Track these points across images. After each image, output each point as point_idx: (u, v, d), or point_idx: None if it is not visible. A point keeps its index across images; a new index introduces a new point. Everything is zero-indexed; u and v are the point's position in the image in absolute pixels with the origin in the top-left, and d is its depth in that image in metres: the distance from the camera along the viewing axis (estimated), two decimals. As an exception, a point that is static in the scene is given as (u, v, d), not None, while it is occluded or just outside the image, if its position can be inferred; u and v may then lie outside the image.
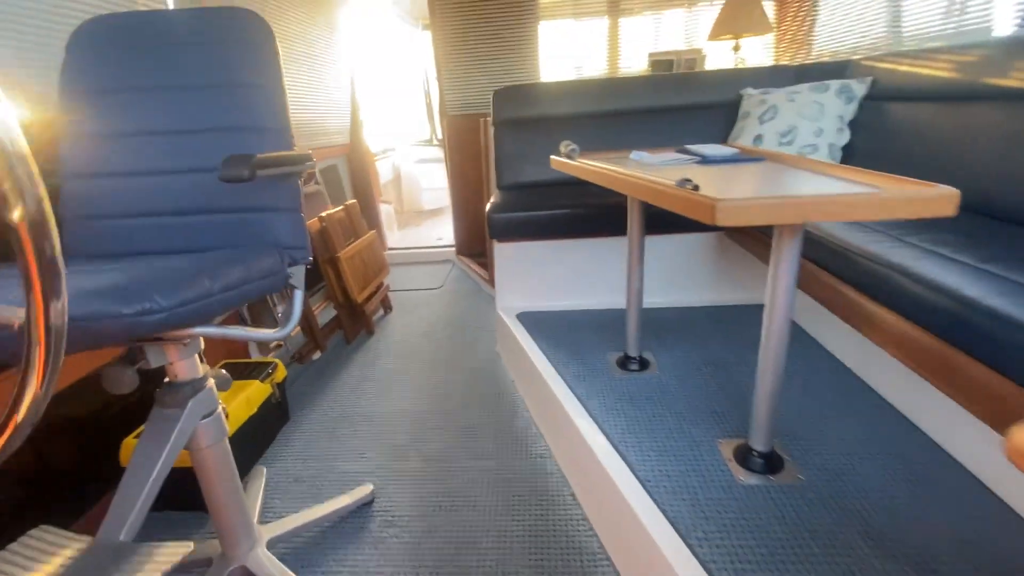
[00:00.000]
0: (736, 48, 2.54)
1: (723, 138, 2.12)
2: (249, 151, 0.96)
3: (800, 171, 1.02)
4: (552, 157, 1.51)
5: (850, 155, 1.79)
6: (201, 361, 0.96)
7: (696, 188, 0.80)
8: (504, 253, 1.98)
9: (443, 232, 4.17)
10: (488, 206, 1.92)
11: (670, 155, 1.36)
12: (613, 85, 2.27)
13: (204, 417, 0.97)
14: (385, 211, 3.78)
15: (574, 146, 1.43)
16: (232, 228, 0.97)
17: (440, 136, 4.79)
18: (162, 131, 0.97)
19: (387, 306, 2.61)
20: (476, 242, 3.30)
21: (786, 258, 0.88)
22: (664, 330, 1.71)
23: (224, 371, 1.04)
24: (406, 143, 4.91)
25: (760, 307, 1.85)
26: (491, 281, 2.75)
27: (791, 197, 0.69)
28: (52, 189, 1.10)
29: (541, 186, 2.21)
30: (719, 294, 1.95)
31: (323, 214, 2.17)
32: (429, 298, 2.80)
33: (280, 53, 1.01)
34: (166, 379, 0.94)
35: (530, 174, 2.25)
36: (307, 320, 2.03)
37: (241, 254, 0.83)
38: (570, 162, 1.39)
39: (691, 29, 2.80)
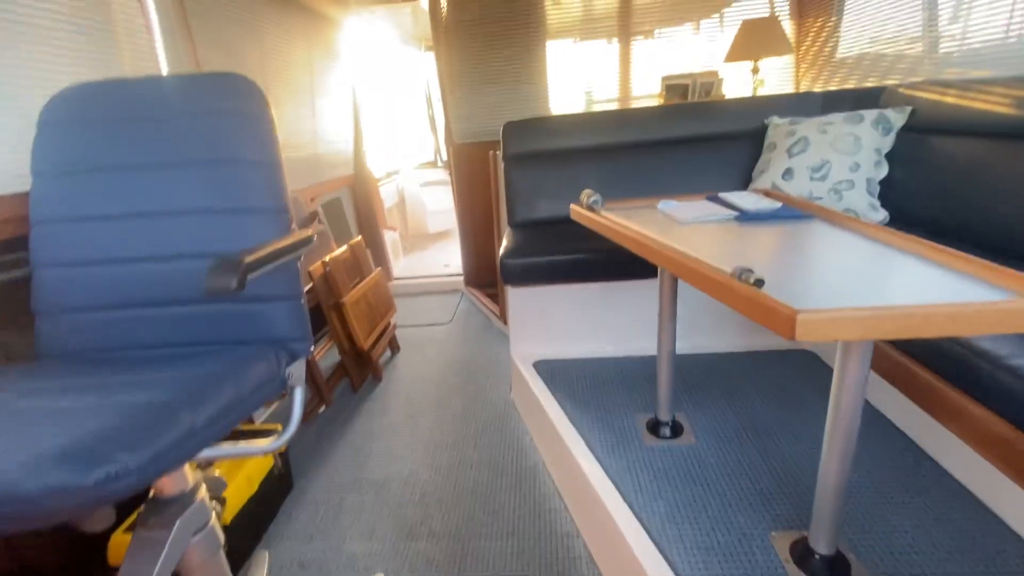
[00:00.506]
0: (755, 71, 2.43)
1: (748, 170, 2.01)
2: (242, 236, 0.85)
3: (868, 240, 0.90)
4: (573, 207, 1.40)
5: (889, 190, 1.67)
6: (192, 466, 0.85)
7: (760, 283, 0.68)
8: (519, 298, 1.87)
9: (450, 258, 4.06)
10: (501, 250, 1.81)
11: (702, 207, 1.25)
12: (629, 116, 2.17)
13: (196, 533, 0.85)
14: (390, 238, 3.69)
15: (596, 196, 1.32)
16: (224, 320, 0.86)
17: (444, 158, 4.71)
18: (146, 213, 0.87)
19: (394, 346, 2.50)
20: (485, 273, 3.19)
21: (859, 350, 0.76)
22: (694, 383, 1.58)
23: (217, 474, 0.93)
24: (410, 165, 4.83)
25: (800, 353, 1.72)
26: (502, 317, 2.64)
27: (896, 309, 0.57)
28: (23, 279, 0.98)
29: (555, 223, 2.10)
30: (751, 338, 1.83)
31: (327, 258, 2.07)
32: (438, 335, 2.69)
33: (276, 122, 0.91)
34: (150, 494, 0.83)
35: (543, 210, 2.14)
36: (312, 373, 1.92)
37: (232, 365, 0.72)
38: (593, 216, 1.28)
39: (706, 50, 2.70)
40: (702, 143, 2.10)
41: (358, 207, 3.22)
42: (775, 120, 1.95)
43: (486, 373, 2.23)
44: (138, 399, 0.61)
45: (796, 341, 1.77)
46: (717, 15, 2.66)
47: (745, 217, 1.13)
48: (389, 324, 2.42)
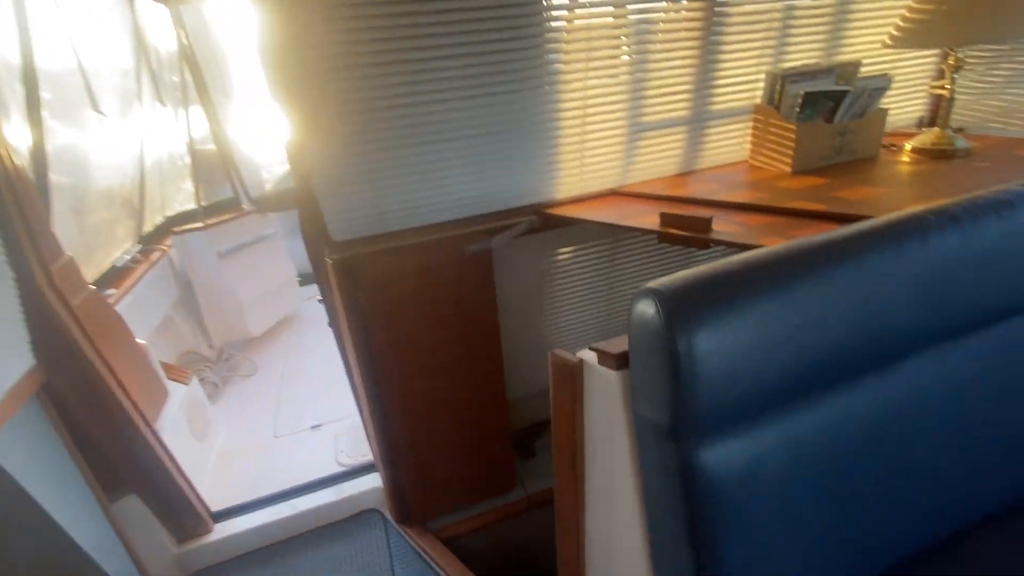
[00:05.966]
0: (952, 66, 1.22)
1: None
2: None
3: None
4: None
5: None
6: None
7: None
8: None
9: (318, 397, 2.19)
10: None
11: None
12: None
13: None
14: (183, 397, 1.73)
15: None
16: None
17: (252, 195, 2.63)
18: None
19: None
20: (441, 497, 1.53)
21: None
22: None
23: None
24: (180, 211, 2.63)
25: None
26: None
27: None
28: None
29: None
30: None
31: None
32: None
33: None
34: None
35: None
36: None
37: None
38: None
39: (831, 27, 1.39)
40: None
41: (72, 427, 1.23)
42: None
43: None
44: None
45: None
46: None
47: None
48: None
